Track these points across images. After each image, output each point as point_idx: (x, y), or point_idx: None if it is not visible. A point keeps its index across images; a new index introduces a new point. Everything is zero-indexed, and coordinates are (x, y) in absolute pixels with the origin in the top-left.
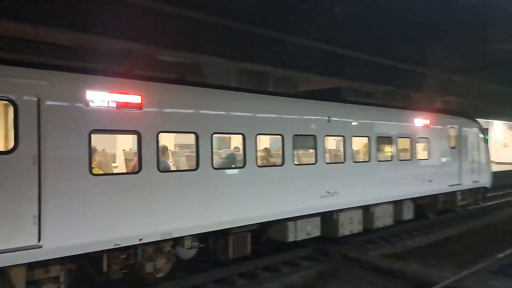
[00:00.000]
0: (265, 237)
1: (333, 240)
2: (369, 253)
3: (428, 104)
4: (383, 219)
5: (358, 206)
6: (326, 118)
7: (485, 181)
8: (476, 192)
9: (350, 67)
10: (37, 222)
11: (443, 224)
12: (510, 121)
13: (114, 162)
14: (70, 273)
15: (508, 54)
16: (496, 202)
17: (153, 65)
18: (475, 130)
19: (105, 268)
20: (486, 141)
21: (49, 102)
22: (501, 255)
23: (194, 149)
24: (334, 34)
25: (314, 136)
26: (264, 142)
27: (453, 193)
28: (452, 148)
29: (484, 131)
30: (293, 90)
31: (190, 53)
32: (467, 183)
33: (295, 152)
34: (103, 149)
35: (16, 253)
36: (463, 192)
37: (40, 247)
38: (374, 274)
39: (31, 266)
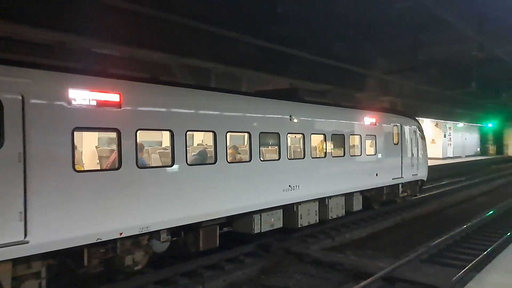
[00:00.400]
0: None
1: (291, 231)
2: (310, 247)
3: (371, 104)
4: (336, 210)
5: (315, 199)
6: (288, 117)
7: (422, 174)
8: (414, 185)
9: (292, 65)
10: (23, 218)
11: (378, 217)
12: (438, 119)
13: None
14: (51, 268)
15: (435, 56)
16: (424, 195)
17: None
18: (414, 128)
19: (85, 262)
20: (423, 138)
21: (33, 100)
22: (431, 245)
23: (164, 147)
24: (276, 32)
25: (278, 133)
26: (232, 139)
27: (396, 186)
28: (395, 144)
29: (422, 129)
30: (236, 87)
31: (128, 47)
32: (408, 176)
33: (261, 148)
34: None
35: (3, 249)
36: (404, 184)
37: (27, 242)
38: (315, 267)
39: (14, 262)
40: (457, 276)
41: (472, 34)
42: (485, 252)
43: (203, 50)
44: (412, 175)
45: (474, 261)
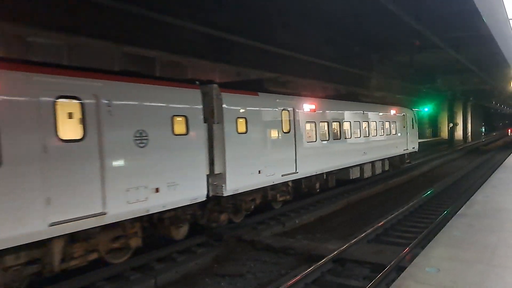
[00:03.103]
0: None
1: (360, 180)
2: (262, 233)
3: (319, 91)
4: (378, 169)
5: (370, 161)
6: (362, 112)
7: (416, 147)
8: (412, 154)
9: (237, 53)
10: (295, 162)
11: (326, 200)
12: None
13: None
14: (292, 188)
15: (376, 43)
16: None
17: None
18: (412, 116)
19: (303, 186)
20: (416, 122)
21: (296, 110)
22: (377, 225)
23: (324, 131)
24: (220, 19)
25: (359, 122)
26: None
27: (403, 155)
28: (404, 127)
29: (416, 116)
30: (182, 76)
31: (64, 34)
32: (410, 148)
33: (353, 131)
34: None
35: (292, 175)
36: (407, 154)
37: (297, 172)
38: (267, 253)
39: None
40: (402, 253)
41: (410, 23)
42: (426, 230)
43: (147, 38)
44: (412, 147)
45: (417, 239)
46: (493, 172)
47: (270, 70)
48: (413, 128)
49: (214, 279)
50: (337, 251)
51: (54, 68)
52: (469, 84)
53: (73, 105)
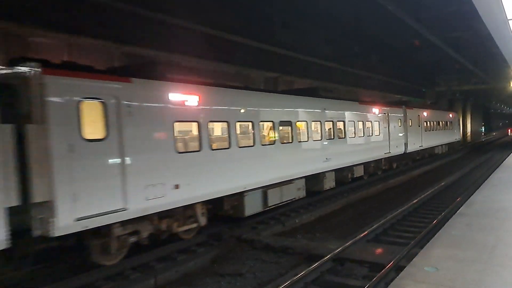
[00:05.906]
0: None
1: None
2: (261, 233)
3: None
4: (444, 149)
5: (441, 145)
6: (440, 115)
7: (460, 138)
8: (458, 142)
9: (237, 53)
10: (421, 141)
11: (326, 200)
12: None
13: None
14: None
15: (376, 43)
16: (369, 178)
17: None
18: (458, 117)
19: (422, 155)
20: (459, 120)
21: (421, 115)
22: (376, 225)
23: (428, 126)
24: (220, 19)
25: (440, 121)
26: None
27: (455, 142)
28: (455, 125)
29: (459, 117)
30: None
31: (64, 34)
32: (457, 138)
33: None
34: (424, 125)
35: (419, 147)
36: (456, 142)
37: (422, 146)
38: (267, 253)
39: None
40: (401, 253)
41: (409, 22)
42: (426, 229)
43: (147, 37)
44: (459, 138)
45: (417, 238)
46: (493, 171)
47: (270, 70)
48: (458, 125)
49: (214, 279)
50: (337, 250)
51: (368, 103)
52: (468, 84)
53: (387, 117)
